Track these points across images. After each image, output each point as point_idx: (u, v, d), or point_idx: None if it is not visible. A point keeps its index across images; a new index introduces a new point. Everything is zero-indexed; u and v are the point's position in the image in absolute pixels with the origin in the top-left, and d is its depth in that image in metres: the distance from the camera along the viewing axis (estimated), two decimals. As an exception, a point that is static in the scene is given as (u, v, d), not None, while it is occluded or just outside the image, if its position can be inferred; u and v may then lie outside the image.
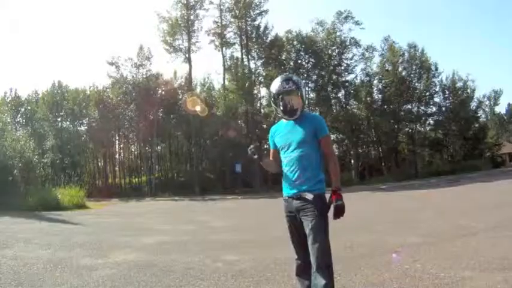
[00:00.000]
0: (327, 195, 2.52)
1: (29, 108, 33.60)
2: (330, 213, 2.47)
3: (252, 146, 2.70)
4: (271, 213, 10.31)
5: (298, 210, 2.51)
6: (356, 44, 31.48)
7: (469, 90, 35.06)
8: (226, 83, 31.23)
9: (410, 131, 34.16)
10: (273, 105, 2.75)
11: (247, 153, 2.66)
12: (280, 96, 2.59)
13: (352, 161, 32.11)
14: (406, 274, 3.72)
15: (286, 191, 2.61)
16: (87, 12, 67.33)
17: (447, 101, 34.75)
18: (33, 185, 16.86)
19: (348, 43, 31.47)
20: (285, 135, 2.64)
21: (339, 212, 2.44)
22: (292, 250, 2.64)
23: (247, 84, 29.25)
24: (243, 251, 5.37)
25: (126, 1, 61.73)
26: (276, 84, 2.63)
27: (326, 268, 2.35)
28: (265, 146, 26.04)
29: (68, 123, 33.08)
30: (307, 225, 2.43)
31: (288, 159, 2.58)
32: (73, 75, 70.78)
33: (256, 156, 2.66)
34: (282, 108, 2.61)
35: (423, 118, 34.10)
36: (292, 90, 2.58)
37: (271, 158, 2.77)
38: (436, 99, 34.28)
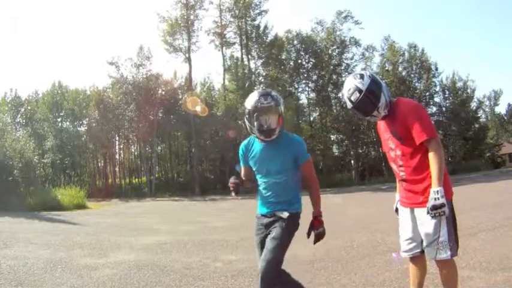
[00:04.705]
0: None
1: (29, 108, 33.55)
2: (303, 236, 2.44)
3: (233, 178, 2.41)
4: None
5: (268, 226, 2.40)
6: (356, 43, 31.50)
7: (469, 90, 35.09)
8: (226, 83, 31.23)
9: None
10: (247, 122, 2.38)
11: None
12: (255, 114, 2.28)
13: (352, 162, 32.09)
14: (406, 274, 3.69)
15: (261, 209, 2.48)
16: (87, 12, 67.40)
17: (447, 101, 34.77)
18: (34, 185, 16.80)
19: (347, 43, 31.48)
20: (261, 160, 2.42)
21: (320, 238, 2.41)
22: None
23: (247, 84, 29.25)
24: (243, 251, 5.37)
25: (126, 1, 61.76)
26: (252, 100, 2.32)
27: (269, 281, 2.21)
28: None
29: (68, 123, 33.08)
30: (271, 234, 2.33)
31: (264, 185, 2.44)
32: (73, 75, 70.90)
33: (236, 194, 2.42)
34: (257, 127, 2.30)
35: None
36: (271, 106, 2.26)
37: (242, 176, 2.58)
38: (436, 99, 34.28)
